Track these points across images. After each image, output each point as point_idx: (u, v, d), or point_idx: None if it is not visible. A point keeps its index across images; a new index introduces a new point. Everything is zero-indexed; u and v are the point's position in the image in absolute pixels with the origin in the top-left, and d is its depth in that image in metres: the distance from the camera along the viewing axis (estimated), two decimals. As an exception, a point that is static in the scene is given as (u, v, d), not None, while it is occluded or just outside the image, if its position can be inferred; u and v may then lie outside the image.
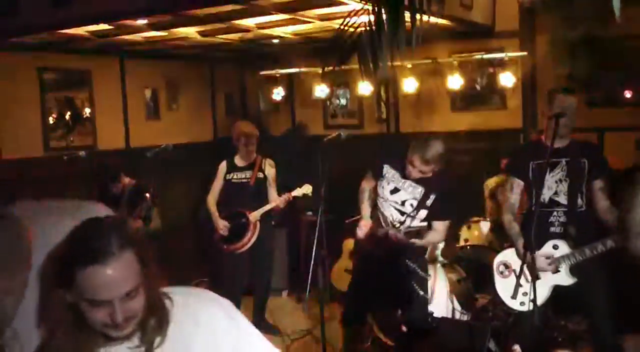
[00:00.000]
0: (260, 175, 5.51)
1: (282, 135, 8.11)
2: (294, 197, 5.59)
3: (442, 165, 4.00)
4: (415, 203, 4.10)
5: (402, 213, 4.14)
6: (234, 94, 8.47)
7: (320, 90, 6.96)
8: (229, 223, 5.44)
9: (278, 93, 7.38)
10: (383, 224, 4.16)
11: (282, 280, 6.97)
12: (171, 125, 7.49)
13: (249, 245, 5.41)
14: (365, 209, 4.31)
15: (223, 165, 5.60)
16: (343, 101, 7.91)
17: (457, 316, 5.32)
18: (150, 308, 1.48)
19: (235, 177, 5.54)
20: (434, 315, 5.19)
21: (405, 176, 4.09)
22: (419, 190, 4.08)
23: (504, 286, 4.00)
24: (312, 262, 3.89)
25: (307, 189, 5.48)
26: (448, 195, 4.12)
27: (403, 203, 4.13)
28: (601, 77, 6.04)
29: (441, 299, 5.27)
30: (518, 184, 3.98)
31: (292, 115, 8.30)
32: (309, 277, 3.86)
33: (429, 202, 4.07)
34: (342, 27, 2.28)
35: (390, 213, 4.15)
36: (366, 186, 4.37)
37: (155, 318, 1.50)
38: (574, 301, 3.91)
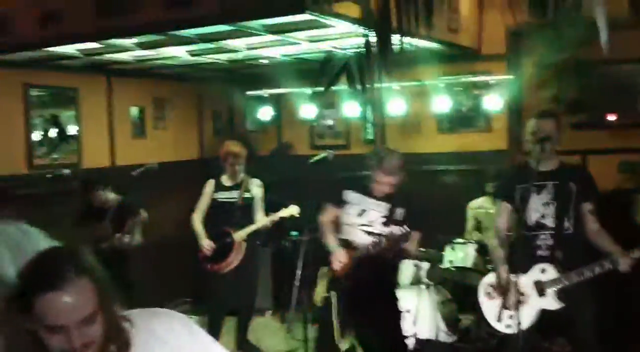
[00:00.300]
0: (248, 194, 5.50)
1: (268, 155, 8.11)
2: (281, 218, 5.59)
3: (402, 178, 4.07)
4: (384, 220, 4.12)
5: (371, 234, 4.13)
6: (222, 113, 8.47)
7: (308, 111, 6.99)
8: (214, 242, 5.41)
9: (266, 113, 7.40)
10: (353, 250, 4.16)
11: (266, 300, 6.94)
12: (157, 143, 7.46)
13: (233, 265, 5.37)
14: (332, 240, 4.27)
15: (210, 184, 5.59)
16: (330, 122, 7.94)
17: (442, 337, 5.32)
18: (109, 334, 1.51)
19: (222, 196, 5.53)
20: (418, 337, 5.20)
21: (369, 194, 4.11)
22: (385, 206, 4.11)
23: (490, 308, 4.00)
24: (296, 282, 3.88)
25: (294, 210, 5.46)
26: (414, 207, 4.16)
27: (371, 224, 4.13)
28: (586, 100, 6.12)
29: (425, 320, 5.28)
30: (505, 208, 4.00)
31: (279, 135, 8.31)
32: (293, 298, 3.84)
33: (397, 217, 4.10)
34: (331, 49, 2.30)
35: (360, 238, 4.16)
36: (327, 217, 4.36)
37: (116, 344, 1.52)
38: (559, 324, 3.92)
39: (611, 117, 6.25)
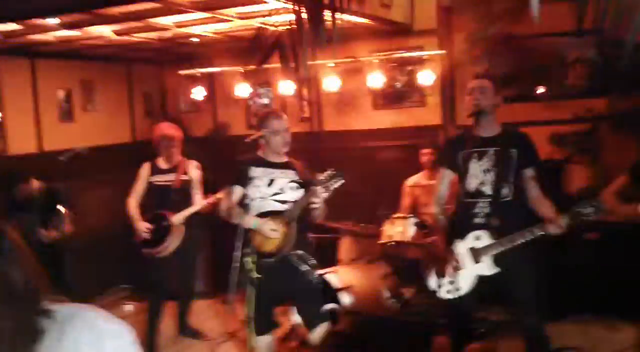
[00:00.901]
0: (185, 177, 5.39)
1: (203, 136, 7.97)
2: (219, 200, 5.48)
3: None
4: (294, 185, 4.09)
5: (284, 202, 4.06)
6: (153, 94, 8.24)
7: (242, 90, 6.88)
8: (150, 226, 5.29)
9: (199, 93, 7.23)
10: None
11: (207, 283, 6.87)
12: (87, 127, 7.20)
13: (170, 248, 5.26)
14: (250, 218, 4.04)
15: (146, 168, 5.46)
16: (265, 100, 7.85)
17: (384, 311, 5.38)
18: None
19: (158, 180, 5.41)
20: (361, 311, 5.25)
21: (270, 165, 4.10)
22: (290, 171, 4.12)
23: (430, 275, 4.05)
24: (234, 263, 3.82)
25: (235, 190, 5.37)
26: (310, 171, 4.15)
27: (282, 190, 4.08)
28: (517, 74, 6.23)
29: (366, 295, 5.32)
30: (447, 175, 4.04)
31: (214, 115, 8.17)
32: (231, 279, 3.78)
33: (304, 178, 4.11)
34: (262, 26, 2.23)
35: (274, 207, 4.05)
36: (230, 202, 4.11)
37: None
38: (500, 291, 4.00)
39: (541, 89, 6.39)
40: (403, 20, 6.49)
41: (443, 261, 3.87)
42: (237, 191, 4.14)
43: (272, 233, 3.97)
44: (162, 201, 5.35)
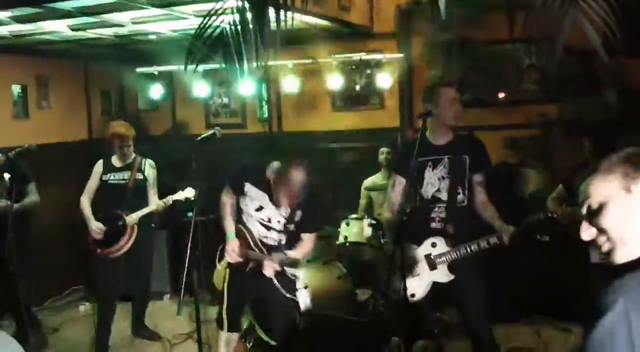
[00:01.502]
0: (140, 176, 5.32)
1: (161, 135, 7.89)
2: (175, 201, 5.44)
3: (304, 190, 3.89)
4: (282, 220, 4.08)
5: (269, 228, 4.11)
6: (111, 91, 8.13)
7: (200, 89, 6.83)
8: (104, 226, 5.19)
9: (157, 91, 7.16)
10: (249, 239, 4.11)
11: (164, 283, 6.82)
12: (42, 124, 7.06)
13: (124, 249, 5.19)
14: (229, 226, 4.17)
15: (99, 165, 5.37)
16: (225, 100, 7.81)
17: (339, 311, 5.40)
18: None
19: (112, 178, 5.32)
20: (315, 312, 5.25)
21: (269, 196, 4.04)
22: (284, 209, 4.06)
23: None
24: (187, 264, 3.80)
25: (189, 192, 5.32)
26: (314, 209, 4.14)
27: (269, 220, 4.10)
28: (472, 79, 6.31)
29: (322, 296, 5.33)
30: (400, 182, 4.07)
31: (173, 114, 8.10)
32: (184, 280, 3.76)
33: (296, 219, 4.08)
34: (203, 24, 2.23)
35: (257, 229, 4.12)
36: (227, 199, 4.24)
37: None
38: (450, 295, 4.05)
39: (500, 95, 6.49)
40: (362, 23, 6.53)
41: (396, 266, 3.90)
42: (230, 194, 4.18)
43: (232, 255, 4.05)
44: (116, 200, 5.25)
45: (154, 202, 5.35)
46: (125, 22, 5.38)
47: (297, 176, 3.81)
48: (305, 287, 5.29)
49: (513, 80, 6.47)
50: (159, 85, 7.12)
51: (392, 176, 4.22)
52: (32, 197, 5.26)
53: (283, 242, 4.14)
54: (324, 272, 5.50)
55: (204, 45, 2.19)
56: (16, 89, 6.93)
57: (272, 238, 4.11)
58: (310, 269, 5.50)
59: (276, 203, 4.00)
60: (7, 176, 4.92)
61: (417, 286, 3.88)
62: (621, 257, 1.51)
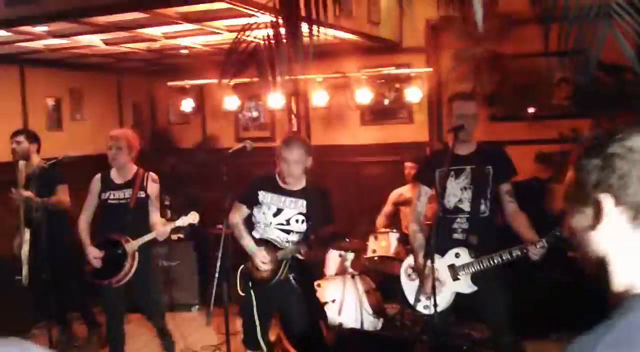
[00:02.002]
0: (142, 194, 4.73)
1: (191, 148, 7.99)
2: (178, 227, 5.03)
3: (308, 163, 4.00)
4: (301, 218, 4.07)
5: (289, 232, 4.10)
6: (143, 105, 8.26)
7: (230, 102, 6.90)
8: (102, 252, 4.65)
9: (187, 105, 7.25)
10: (272, 249, 4.09)
11: (192, 295, 6.85)
12: (75, 136, 7.20)
13: (125, 280, 4.64)
14: (249, 241, 4.12)
15: (97, 182, 4.80)
16: (255, 113, 7.88)
17: (367, 325, 5.38)
18: None
19: (112, 197, 4.72)
20: (344, 326, 5.24)
21: (282, 191, 4.06)
22: (301, 202, 4.06)
23: (410, 289, 4.07)
24: (217, 276, 3.82)
25: (193, 217, 4.82)
26: (328, 202, 4.14)
27: (288, 221, 4.09)
28: (502, 93, 6.29)
29: (350, 309, 5.33)
30: (425, 192, 4.06)
31: (203, 127, 8.19)
32: (213, 292, 3.78)
33: (313, 213, 4.06)
34: (238, 38, 2.26)
35: (277, 236, 4.09)
36: (238, 218, 4.18)
37: None
38: (477, 309, 4.02)
39: (530, 110, 6.45)
40: (391, 38, 6.56)
41: (422, 277, 3.89)
42: (243, 210, 4.17)
43: (263, 266, 4.03)
44: (116, 222, 4.67)
45: (155, 224, 4.74)
46: (158, 36, 5.48)
47: (295, 144, 3.92)
48: (334, 301, 5.29)
49: (544, 95, 6.43)
50: (189, 99, 7.21)
51: (417, 186, 4.21)
52: (59, 196, 5.21)
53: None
54: (352, 286, 5.49)
55: (239, 59, 2.22)
56: (50, 101, 7.08)
57: (293, 241, 4.12)
58: (339, 283, 5.49)
59: (288, 188, 4.02)
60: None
61: (441, 297, 3.86)
62: None
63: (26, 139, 5.44)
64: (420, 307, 3.97)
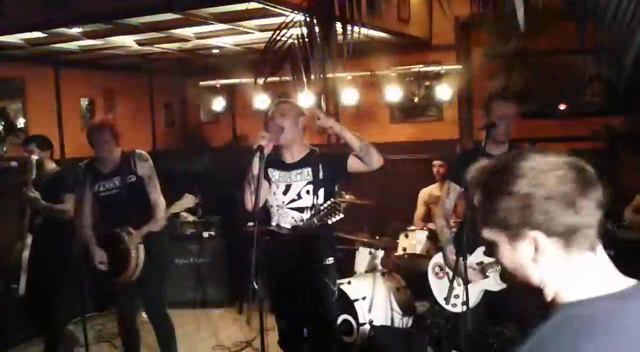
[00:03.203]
0: (132, 178, 4.35)
1: (222, 147, 8.07)
2: (175, 214, 4.89)
3: (300, 121, 3.87)
4: (310, 187, 3.86)
5: (302, 210, 3.87)
6: (174, 104, 8.37)
7: (261, 101, 6.95)
8: (105, 251, 4.40)
9: (218, 104, 7.33)
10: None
11: (223, 292, 6.91)
12: (109, 135, 7.32)
13: (134, 277, 4.36)
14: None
15: (83, 174, 4.45)
16: (284, 112, 7.91)
17: (397, 323, 5.39)
18: None
19: (102, 188, 4.40)
20: (374, 323, 5.26)
21: (287, 165, 3.92)
22: (306, 170, 3.88)
23: (438, 287, 4.08)
24: (252, 272, 3.84)
25: (187, 201, 4.45)
26: (333, 159, 3.95)
27: (299, 195, 3.87)
28: (534, 90, 6.24)
29: (380, 307, 5.33)
30: (454, 189, 4.05)
31: (234, 126, 8.26)
32: (249, 288, 3.79)
33: (321, 176, 3.86)
34: (273, 38, 2.29)
35: (292, 217, 3.88)
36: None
37: None
38: (508, 307, 4.00)
39: (561, 107, 6.39)
40: (421, 35, 6.55)
41: (451, 274, 3.88)
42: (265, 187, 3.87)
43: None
44: (113, 214, 4.39)
45: (159, 201, 4.38)
46: (190, 36, 5.55)
47: (282, 103, 3.85)
48: (364, 299, 5.31)
49: (575, 91, 6.35)
50: (220, 98, 7.28)
51: (447, 183, 4.20)
52: (65, 205, 4.84)
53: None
54: (382, 283, 5.49)
55: (273, 59, 2.26)
56: (84, 102, 7.21)
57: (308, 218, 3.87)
58: (369, 281, 5.50)
59: (293, 165, 3.87)
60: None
61: (470, 294, 3.84)
62: None
63: (37, 147, 5.01)
64: (448, 306, 3.97)
